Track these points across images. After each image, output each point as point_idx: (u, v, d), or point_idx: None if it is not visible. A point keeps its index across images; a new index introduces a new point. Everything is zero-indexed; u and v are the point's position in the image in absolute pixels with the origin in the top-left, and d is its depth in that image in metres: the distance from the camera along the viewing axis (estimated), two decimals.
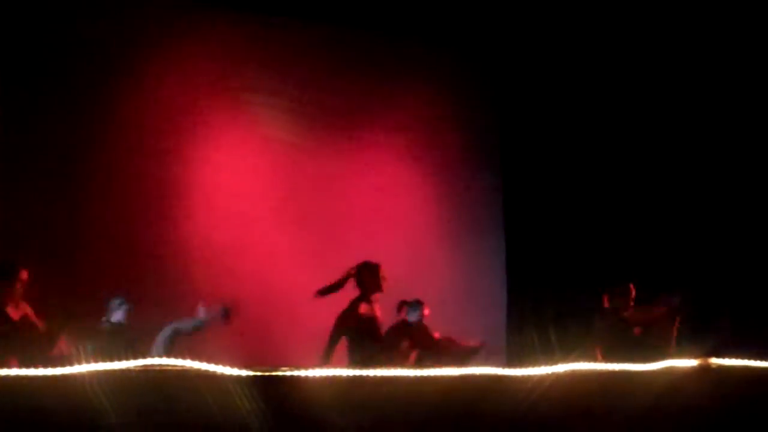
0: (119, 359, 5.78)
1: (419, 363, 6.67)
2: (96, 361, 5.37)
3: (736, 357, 5.97)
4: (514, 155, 9.69)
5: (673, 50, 8.96)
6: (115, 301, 6.91)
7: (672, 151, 9.03)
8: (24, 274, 5.78)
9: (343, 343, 6.35)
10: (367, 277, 6.48)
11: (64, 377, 4.13)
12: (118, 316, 6.88)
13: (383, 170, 9.11)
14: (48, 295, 7.18)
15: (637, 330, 7.02)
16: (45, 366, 4.16)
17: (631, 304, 7.09)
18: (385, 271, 6.52)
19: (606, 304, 7.16)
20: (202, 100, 8.65)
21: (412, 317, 7.07)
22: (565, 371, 5.22)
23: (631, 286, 7.11)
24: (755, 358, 5.94)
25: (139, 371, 4.30)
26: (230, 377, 4.32)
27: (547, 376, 5.08)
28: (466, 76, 9.78)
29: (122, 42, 8.35)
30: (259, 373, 4.44)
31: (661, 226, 8.87)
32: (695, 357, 5.98)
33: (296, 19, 9.00)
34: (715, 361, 5.94)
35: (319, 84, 9.12)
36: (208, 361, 4.43)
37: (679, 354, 6.18)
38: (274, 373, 4.57)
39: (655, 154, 9.04)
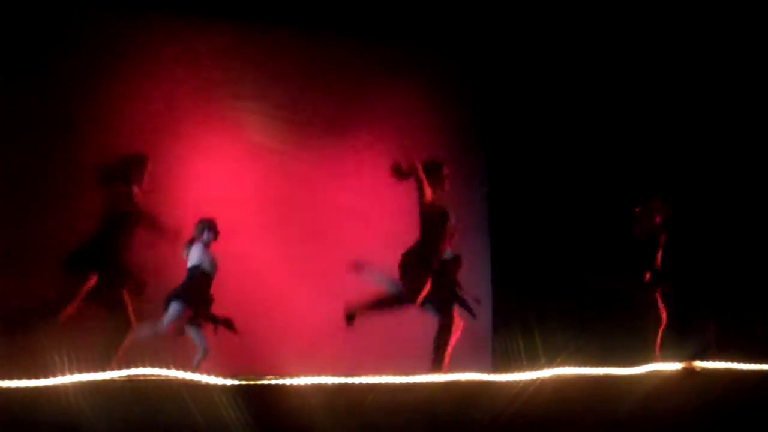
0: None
1: None
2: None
3: (721, 360, 6.01)
4: (499, 159, 9.70)
5: (657, 50, 9.00)
6: (202, 225, 7.35)
7: (656, 154, 9.07)
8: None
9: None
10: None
11: (47, 388, 4.11)
12: (208, 236, 7.33)
13: (368, 175, 9.10)
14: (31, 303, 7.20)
15: None
16: None
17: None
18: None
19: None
20: (185, 106, 8.63)
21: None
22: (550, 376, 5.23)
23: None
24: (739, 361, 5.98)
25: (124, 381, 4.28)
26: (215, 386, 4.31)
27: (532, 381, 5.09)
28: (450, 81, 9.78)
29: (105, 49, 8.31)
30: (244, 382, 4.43)
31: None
32: (680, 360, 6.02)
33: (278, 25, 8.99)
34: (699, 364, 5.98)
35: (302, 89, 9.11)
36: (193, 370, 4.42)
37: (664, 358, 6.22)
38: (259, 382, 4.57)
39: (639, 158, 9.07)
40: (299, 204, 8.92)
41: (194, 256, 7.34)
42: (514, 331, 8.36)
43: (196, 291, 7.28)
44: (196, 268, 7.25)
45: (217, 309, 7.88)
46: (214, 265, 7.42)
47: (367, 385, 4.74)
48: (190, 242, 7.48)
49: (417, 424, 4.65)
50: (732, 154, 8.87)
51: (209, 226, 7.48)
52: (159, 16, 8.55)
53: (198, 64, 8.71)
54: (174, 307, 7.19)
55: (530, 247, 9.16)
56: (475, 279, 9.36)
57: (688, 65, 8.96)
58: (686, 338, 7.27)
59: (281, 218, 8.83)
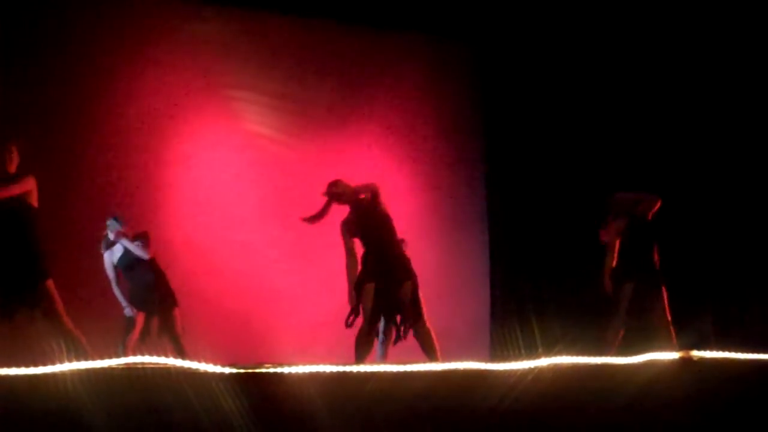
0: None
1: None
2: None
3: (718, 349, 6.01)
4: (498, 149, 9.71)
5: (657, 45, 9.01)
6: (110, 221, 7.45)
7: (653, 147, 9.07)
8: None
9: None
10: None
11: (44, 376, 4.10)
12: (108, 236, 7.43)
13: (366, 166, 9.12)
14: None
15: None
16: None
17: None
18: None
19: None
20: (184, 96, 8.62)
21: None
22: (548, 365, 5.23)
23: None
24: (737, 351, 5.98)
25: (122, 370, 4.27)
26: (213, 375, 4.30)
27: (530, 370, 5.08)
28: (449, 71, 9.79)
29: (102, 37, 8.30)
30: (242, 371, 4.42)
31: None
32: (677, 350, 6.02)
33: (278, 14, 8.98)
34: (696, 353, 5.97)
35: (302, 79, 9.11)
36: (191, 358, 4.41)
37: (661, 347, 6.22)
38: (257, 370, 4.56)
39: (636, 150, 9.08)
40: (297, 194, 8.92)
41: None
42: (512, 319, 8.37)
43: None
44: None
45: (217, 299, 7.89)
46: (112, 263, 7.36)
47: (366, 373, 4.73)
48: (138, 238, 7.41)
49: (415, 413, 4.65)
50: (732, 149, 8.90)
51: (111, 224, 7.33)
52: (157, 4, 8.54)
53: (197, 53, 8.71)
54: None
55: (528, 235, 9.17)
56: (473, 267, 9.39)
57: (691, 57, 8.97)
58: (684, 328, 7.27)
59: (281, 208, 8.84)
